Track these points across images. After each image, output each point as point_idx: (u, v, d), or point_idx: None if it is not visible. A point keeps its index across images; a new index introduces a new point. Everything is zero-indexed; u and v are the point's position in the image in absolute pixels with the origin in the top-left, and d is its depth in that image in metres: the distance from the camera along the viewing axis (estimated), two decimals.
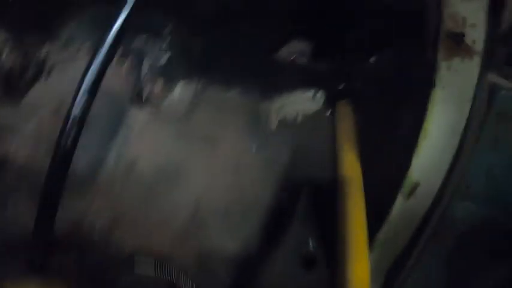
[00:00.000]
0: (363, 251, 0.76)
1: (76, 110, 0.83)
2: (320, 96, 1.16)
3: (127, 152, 1.13)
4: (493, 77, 0.73)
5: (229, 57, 1.20)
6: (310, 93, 1.18)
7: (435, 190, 0.78)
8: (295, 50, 1.17)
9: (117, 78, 1.19)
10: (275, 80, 1.20)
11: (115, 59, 1.19)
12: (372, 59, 1.05)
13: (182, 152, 1.14)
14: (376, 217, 0.84)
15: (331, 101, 1.11)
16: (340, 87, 1.10)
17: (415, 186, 0.78)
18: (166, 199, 1.07)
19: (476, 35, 0.72)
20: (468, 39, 0.71)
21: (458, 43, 0.70)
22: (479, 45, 0.72)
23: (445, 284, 0.89)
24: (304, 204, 1.08)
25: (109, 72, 1.16)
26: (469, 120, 0.75)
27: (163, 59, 1.16)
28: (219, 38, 1.17)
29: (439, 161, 0.76)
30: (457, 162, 0.76)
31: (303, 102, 1.18)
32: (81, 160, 1.08)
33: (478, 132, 0.74)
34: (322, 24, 1.10)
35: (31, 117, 1.12)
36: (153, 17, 1.14)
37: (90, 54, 0.87)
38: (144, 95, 1.18)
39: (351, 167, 0.88)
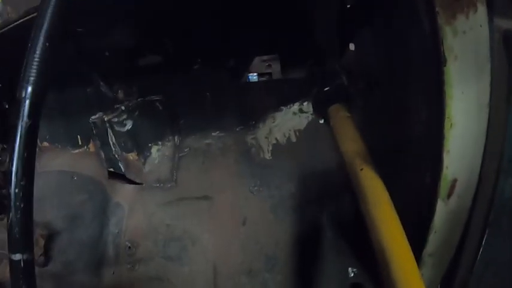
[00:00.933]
0: (414, 272, 0.62)
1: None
2: (307, 106, 1.03)
3: (124, 236, 1.00)
4: (505, 23, 0.59)
5: (198, 101, 1.08)
6: (295, 108, 1.05)
7: (475, 180, 0.64)
8: (264, 69, 1.04)
9: (88, 163, 1.06)
10: (253, 105, 1.07)
11: (79, 145, 1.09)
12: (351, 49, 0.92)
13: (180, 219, 1.01)
14: (418, 229, 0.71)
15: (320, 109, 0.98)
16: (325, 90, 0.96)
17: (453, 184, 0.63)
18: (180, 276, 0.94)
19: None
20: None
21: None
22: None
23: None
24: (330, 231, 0.94)
25: (76, 160, 1.05)
26: (493, 84, 0.61)
27: (127, 127, 1.04)
28: (179, 85, 1.05)
29: (473, 146, 0.61)
30: (492, 140, 0.62)
31: (290, 118, 1.05)
32: (78, 263, 0.96)
33: (506, 95, 0.60)
34: (284, 36, 0.97)
35: None
36: (99, 88, 1.01)
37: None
38: (121, 170, 1.05)
39: (369, 177, 0.74)
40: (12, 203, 0.57)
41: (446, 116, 0.57)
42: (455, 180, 0.63)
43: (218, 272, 0.93)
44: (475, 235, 0.73)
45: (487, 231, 0.71)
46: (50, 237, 1.00)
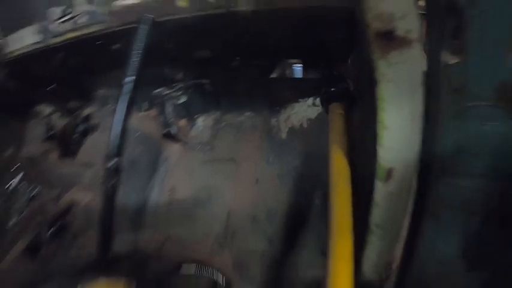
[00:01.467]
0: (347, 233, 0.87)
1: (113, 150, 1.05)
2: (318, 102, 1.30)
3: (167, 182, 1.36)
4: (442, 55, 0.79)
5: (237, 87, 1.39)
6: (309, 101, 1.33)
7: (411, 172, 0.87)
8: (288, 69, 1.33)
9: (150, 123, 1.43)
10: (278, 96, 1.36)
11: (145, 109, 1.45)
12: (348, 63, 1.17)
13: (212, 175, 1.35)
14: (367, 202, 0.96)
15: (325, 105, 1.24)
16: (331, 90, 1.22)
17: (390, 172, 0.87)
18: (203, 215, 1.27)
19: (409, 25, 0.80)
20: (400, 32, 0.79)
21: (389, 39, 0.79)
22: (415, 33, 0.80)
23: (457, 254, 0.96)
24: (320, 201, 1.22)
25: (142, 120, 1.42)
26: (427, 103, 0.83)
27: (181, 100, 1.38)
28: (223, 74, 1.37)
29: (407, 144, 0.84)
30: (426, 143, 0.84)
31: (305, 109, 1.33)
32: (131, 197, 1.33)
33: (439, 111, 0.82)
34: (305, 46, 1.23)
35: (88, 168, 1.40)
36: (164, 69, 1.36)
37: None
38: (173, 132, 1.41)
39: (339, 162, 1.00)
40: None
41: (379, 121, 0.82)
42: (391, 169, 0.88)
43: (231, 216, 1.25)
44: (418, 224, 0.96)
45: (426, 222, 0.94)
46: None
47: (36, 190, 1.54)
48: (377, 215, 0.96)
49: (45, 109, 1.69)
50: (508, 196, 0.82)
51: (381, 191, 0.92)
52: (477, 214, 0.88)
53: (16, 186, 1.62)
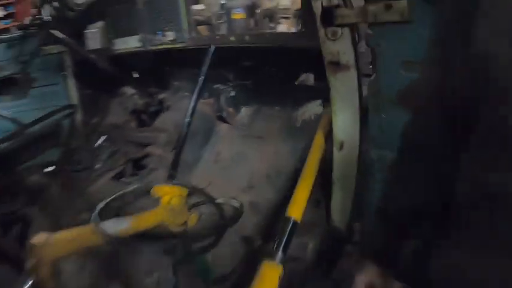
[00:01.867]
0: (309, 180, 1.38)
1: (185, 126, 1.72)
2: (324, 103, 1.86)
3: (216, 148, 2.01)
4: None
5: (270, 88, 2.00)
6: (318, 102, 1.89)
7: (355, 144, 1.38)
8: (305, 78, 1.91)
9: (209, 108, 2.09)
10: (298, 97, 1.94)
11: (205, 97, 2.12)
12: None
13: (245, 146, 1.96)
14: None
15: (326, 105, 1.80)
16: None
17: (342, 144, 1.39)
18: (236, 171, 1.89)
19: (348, 57, 1.25)
20: (343, 61, 1.28)
21: (337, 66, 1.29)
22: (351, 62, 1.25)
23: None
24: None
25: (203, 105, 2.08)
26: (360, 103, 1.31)
27: (232, 94, 2.03)
28: (261, 79, 1.99)
29: (351, 127, 1.35)
30: (362, 126, 1.34)
31: (315, 108, 1.90)
32: (191, 154, 1.99)
33: (368, 107, 1.30)
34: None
35: (161, 133, 2.09)
36: (222, 73, 2.03)
37: (188, 97, 1.79)
38: (224, 115, 2.06)
39: (318, 140, 1.54)
40: None
41: (333, 111, 1.36)
42: (342, 141, 1.41)
43: (254, 175, 1.86)
44: (363, 180, 1.45)
45: (367, 178, 1.41)
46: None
47: (116, 147, 2.27)
48: (336, 172, 1.50)
49: (129, 91, 2.44)
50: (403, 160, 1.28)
51: (337, 156, 1.47)
52: (394, 173, 1.30)
53: (101, 144, 2.37)
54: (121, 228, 1.22)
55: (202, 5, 1.85)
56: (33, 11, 2.34)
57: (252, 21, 1.76)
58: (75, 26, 2.22)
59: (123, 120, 2.39)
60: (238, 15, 1.74)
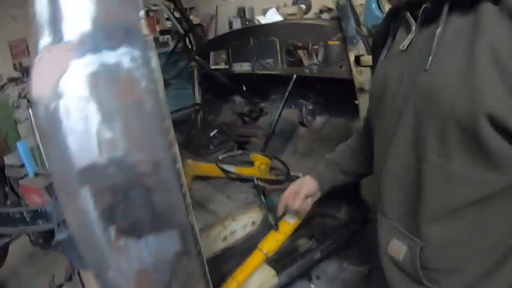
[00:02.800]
0: None
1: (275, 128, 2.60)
2: None
3: (295, 143, 2.84)
4: None
5: (337, 105, 2.79)
6: None
7: None
8: None
9: (294, 115, 2.95)
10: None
11: (292, 108, 2.98)
12: None
13: (317, 144, 2.78)
14: None
15: None
16: None
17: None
18: (308, 162, 2.70)
19: (368, 85, 2.03)
20: (366, 87, 1.91)
21: (362, 90, 1.94)
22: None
23: None
24: None
25: (290, 113, 2.96)
26: None
27: (310, 107, 2.87)
28: (331, 97, 2.79)
29: None
30: None
31: None
32: (277, 144, 2.85)
33: None
34: None
35: (259, 129, 2.99)
36: (304, 91, 2.86)
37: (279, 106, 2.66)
38: (304, 121, 2.90)
39: None
40: None
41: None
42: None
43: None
44: None
45: None
46: None
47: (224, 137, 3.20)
48: None
49: (238, 99, 3.38)
50: None
51: None
52: None
53: (214, 135, 3.28)
54: (232, 170, 2.14)
55: None
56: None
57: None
58: (204, 50, 3.23)
59: (231, 120, 3.35)
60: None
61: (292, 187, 1.42)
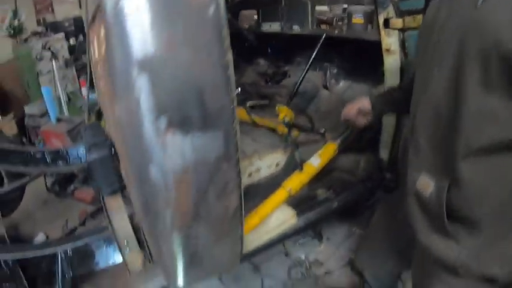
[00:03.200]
0: None
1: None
2: None
3: (318, 104, 2.92)
4: None
5: (361, 71, 2.84)
6: None
7: None
8: None
9: (317, 78, 3.01)
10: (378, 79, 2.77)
11: (317, 71, 3.04)
12: None
13: (338, 104, 2.83)
14: None
15: None
16: None
17: None
18: (328, 120, 2.77)
19: (395, 47, 1.95)
20: (393, 48, 1.99)
21: (388, 51, 2.05)
22: (397, 49, 1.98)
23: None
24: None
25: (314, 76, 3.02)
26: (401, 77, 2.00)
27: (335, 71, 2.93)
28: (355, 63, 2.84)
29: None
30: None
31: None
32: (300, 103, 2.92)
33: None
34: None
35: (282, 88, 3.06)
36: (330, 55, 2.92)
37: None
38: (327, 85, 2.97)
39: None
40: None
41: (385, 83, 2.14)
42: None
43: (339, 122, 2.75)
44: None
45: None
46: None
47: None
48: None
49: (262, 62, 3.44)
50: None
51: None
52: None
53: (237, 92, 3.34)
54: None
55: (326, 6, 2.75)
56: None
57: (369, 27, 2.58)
58: (234, 9, 3.28)
59: (254, 79, 3.42)
60: (358, 20, 2.57)
61: (350, 103, 1.68)
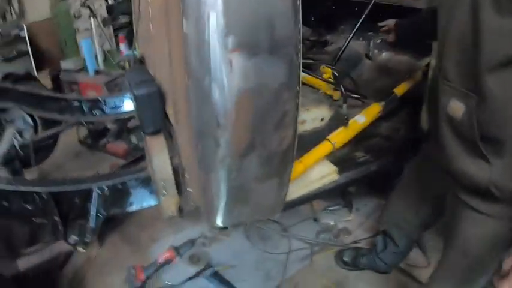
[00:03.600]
0: None
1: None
2: None
3: (359, 71, 2.85)
4: None
5: (405, 44, 2.74)
6: None
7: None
8: None
9: (361, 47, 2.95)
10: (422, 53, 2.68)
11: (360, 40, 2.97)
12: None
13: (380, 73, 2.77)
14: None
15: None
16: None
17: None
18: (369, 87, 2.69)
19: None
20: None
21: None
22: None
23: None
24: None
25: (358, 44, 2.95)
26: None
27: (378, 41, 2.85)
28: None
29: None
30: None
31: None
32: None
33: None
34: None
35: (325, 55, 3.01)
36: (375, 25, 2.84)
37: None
38: (370, 55, 2.90)
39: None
40: None
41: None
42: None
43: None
44: None
45: None
46: None
47: None
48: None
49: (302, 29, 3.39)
50: None
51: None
52: None
53: None
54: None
55: None
56: None
57: None
58: None
59: None
60: None
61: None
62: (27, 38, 4.41)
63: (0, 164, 2.28)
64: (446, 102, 1.17)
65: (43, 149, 2.80)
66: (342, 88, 2.02)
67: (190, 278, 2.23)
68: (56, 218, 1.70)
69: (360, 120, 1.86)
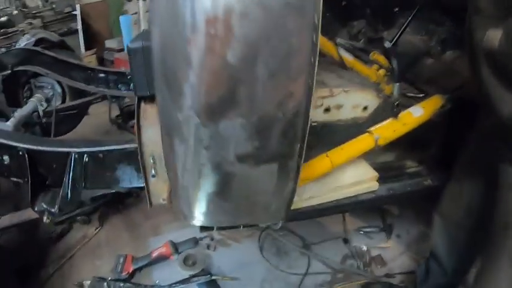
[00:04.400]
0: None
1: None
2: None
3: (422, 68, 2.37)
4: None
5: None
6: None
7: None
8: None
9: (422, 43, 2.50)
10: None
11: (422, 35, 2.51)
12: None
13: (442, 72, 2.31)
14: None
15: None
16: None
17: None
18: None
19: None
20: None
21: None
22: None
23: None
24: None
25: (418, 40, 2.48)
26: None
27: (443, 36, 2.39)
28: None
29: None
30: None
31: None
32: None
33: None
34: None
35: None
36: (440, 20, 2.39)
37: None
38: (432, 51, 2.44)
39: None
40: None
41: None
42: None
43: None
44: None
45: None
46: None
47: None
48: None
49: (355, 23, 2.99)
50: None
51: None
52: None
53: None
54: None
55: None
56: None
57: None
58: None
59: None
60: None
61: None
62: (79, 16, 4.60)
63: (20, 125, 2.33)
64: (481, 37, 1.11)
65: (67, 120, 2.83)
66: (395, 63, 1.68)
67: (182, 282, 1.96)
68: (29, 178, 1.55)
69: (416, 112, 1.40)
